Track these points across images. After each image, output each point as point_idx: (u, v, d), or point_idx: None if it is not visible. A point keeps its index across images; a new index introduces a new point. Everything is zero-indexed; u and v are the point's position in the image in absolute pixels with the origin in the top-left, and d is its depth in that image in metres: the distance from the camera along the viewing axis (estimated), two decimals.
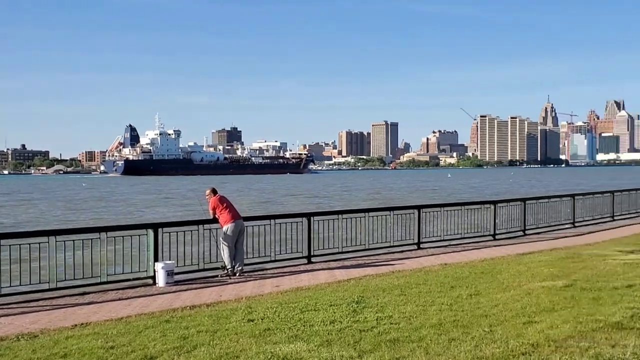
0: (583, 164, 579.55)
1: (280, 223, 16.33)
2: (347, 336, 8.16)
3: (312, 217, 16.85)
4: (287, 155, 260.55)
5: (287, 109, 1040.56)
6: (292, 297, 11.39)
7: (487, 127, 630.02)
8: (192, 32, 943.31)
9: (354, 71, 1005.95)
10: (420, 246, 18.99)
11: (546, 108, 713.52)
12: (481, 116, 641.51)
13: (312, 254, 16.62)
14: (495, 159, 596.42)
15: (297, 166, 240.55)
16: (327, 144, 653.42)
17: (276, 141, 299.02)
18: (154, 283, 13.53)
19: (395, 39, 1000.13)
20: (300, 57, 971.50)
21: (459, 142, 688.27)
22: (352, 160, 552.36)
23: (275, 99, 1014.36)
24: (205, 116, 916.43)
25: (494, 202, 22.16)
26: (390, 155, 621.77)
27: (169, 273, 13.45)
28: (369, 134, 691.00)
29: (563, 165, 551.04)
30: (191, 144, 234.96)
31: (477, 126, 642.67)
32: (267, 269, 15.45)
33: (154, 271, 13.60)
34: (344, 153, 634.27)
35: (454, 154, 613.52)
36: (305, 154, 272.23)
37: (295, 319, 9.31)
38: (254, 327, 8.86)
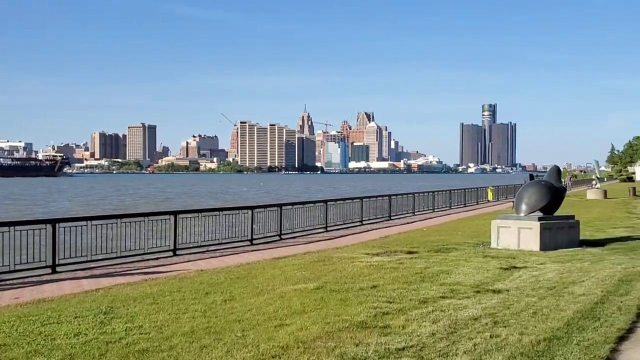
0: (337, 172, 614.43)
1: (20, 230, 15.07)
2: (93, 349, 7.75)
3: (57, 224, 15.77)
4: (40, 156, 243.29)
5: (28, 107, 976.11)
6: (33, 310, 10.54)
7: (247, 133, 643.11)
8: None
9: (110, 70, 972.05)
10: (177, 252, 18.70)
11: (303, 117, 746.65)
12: (241, 122, 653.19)
13: (57, 263, 15.54)
14: (256, 165, 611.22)
15: (52, 168, 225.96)
16: (78, 146, 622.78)
17: (20, 141, 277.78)
18: None
19: (158, 41, 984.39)
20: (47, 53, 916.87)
21: (220, 147, 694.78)
22: (107, 163, 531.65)
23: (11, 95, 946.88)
24: None
25: (252, 208, 22.57)
26: (148, 158, 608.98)
27: None
28: (124, 136, 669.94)
29: (319, 172, 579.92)
30: None
31: (237, 132, 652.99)
32: (5, 280, 14.16)
33: None
34: (97, 155, 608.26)
35: (215, 159, 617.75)
36: (61, 155, 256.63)
37: (35, 332, 8.65)
38: None
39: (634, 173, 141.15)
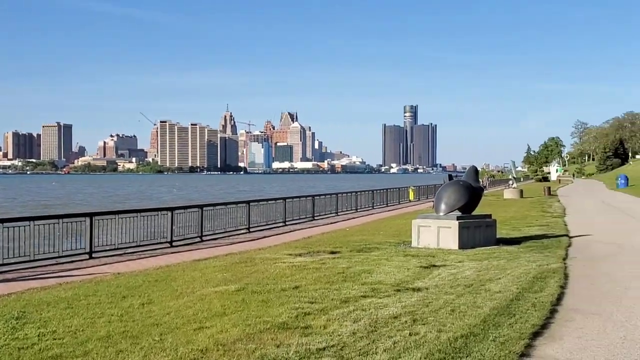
0: (260, 172, 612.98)
1: None
2: (4, 356, 7.48)
3: None
4: None
5: None
6: None
7: (167, 132, 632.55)
8: None
9: (23, 67, 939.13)
10: (93, 255, 18.21)
11: (226, 116, 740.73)
12: (161, 121, 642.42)
13: None
14: (176, 165, 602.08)
15: None
16: None
17: None
18: None
19: (75, 37, 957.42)
20: None
21: (139, 147, 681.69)
22: (20, 163, 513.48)
23: None
24: None
25: (171, 209, 22.22)
26: (63, 159, 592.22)
27: None
28: (39, 135, 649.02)
29: (242, 173, 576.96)
30: None
31: (157, 131, 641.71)
32: None
33: None
34: (10, 156, 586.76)
35: (134, 159, 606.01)
36: None
37: None
38: None
39: (549, 173, 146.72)
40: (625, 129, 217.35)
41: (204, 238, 22.91)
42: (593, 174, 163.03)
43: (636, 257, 15.56)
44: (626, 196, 51.78)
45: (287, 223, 29.31)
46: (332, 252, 17.02)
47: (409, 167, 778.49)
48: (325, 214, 34.30)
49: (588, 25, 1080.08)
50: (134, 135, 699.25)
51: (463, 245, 17.44)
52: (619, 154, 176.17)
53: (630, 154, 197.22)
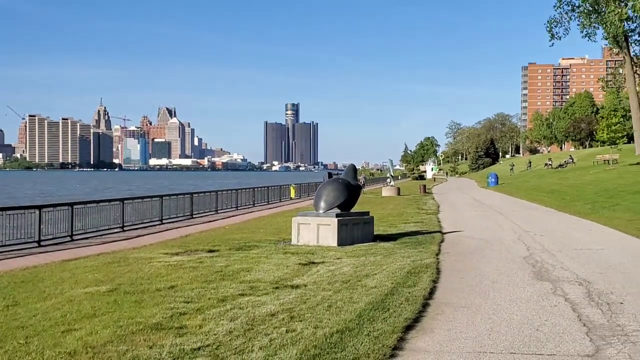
0: (137, 168, 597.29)
1: None
2: None
3: None
4: None
5: None
6: None
7: (37, 127, 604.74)
8: None
9: None
10: None
11: (99, 111, 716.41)
12: (30, 115, 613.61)
13: None
14: (46, 161, 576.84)
15: None
16: None
17: None
18: None
19: None
20: None
21: (6, 142, 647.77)
22: None
23: None
24: None
25: (39, 207, 21.27)
26: None
27: None
28: None
29: (117, 170, 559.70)
30: None
31: (26, 126, 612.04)
32: None
33: None
34: None
35: (0, 155, 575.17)
36: None
37: None
38: None
39: (424, 171, 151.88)
40: (496, 129, 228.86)
41: (74, 237, 22.10)
42: (466, 173, 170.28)
43: (502, 252, 16.42)
44: (496, 194, 54.52)
45: (163, 221, 28.77)
46: (210, 251, 16.87)
47: (291, 165, 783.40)
48: (205, 212, 33.92)
49: (466, 30, 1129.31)
50: (1, 130, 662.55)
51: (342, 242, 17.77)
52: (490, 154, 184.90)
53: (500, 154, 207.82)
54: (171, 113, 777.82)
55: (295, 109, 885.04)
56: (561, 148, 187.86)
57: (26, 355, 7.16)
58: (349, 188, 19.30)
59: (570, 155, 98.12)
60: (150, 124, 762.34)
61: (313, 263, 14.34)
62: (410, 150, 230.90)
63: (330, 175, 21.25)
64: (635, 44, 70.82)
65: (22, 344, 7.63)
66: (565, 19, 70.56)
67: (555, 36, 71.29)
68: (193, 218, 31.50)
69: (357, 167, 21.89)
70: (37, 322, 8.86)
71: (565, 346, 7.63)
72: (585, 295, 10.61)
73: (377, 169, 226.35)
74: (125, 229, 25.38)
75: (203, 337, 7.87)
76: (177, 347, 7.42)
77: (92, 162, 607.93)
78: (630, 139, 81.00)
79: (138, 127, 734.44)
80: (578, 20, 69.52)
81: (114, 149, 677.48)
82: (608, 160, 69.44)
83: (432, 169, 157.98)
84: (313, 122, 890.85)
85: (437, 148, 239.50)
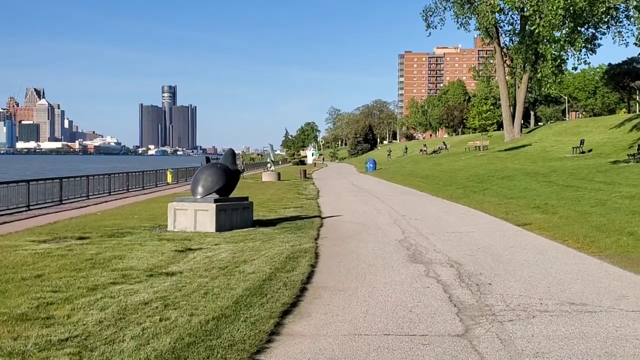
0: (3, 152, 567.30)
1: None
2: None
3: None
4: None
5: None
6: None
7: None
8: None
9: None
10: None
11: None
12: None
13: None
14: None
15: None
16: None
17: None
18: None
19: None
20: None
21: None
22: None
23: None
24: None
25: None
26: None
27: None
28: None
29: None
30: None
31: None
32: None
33: None
34: None
35: None
36: None
37: None
38: None
39: (305, 157, 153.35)
40: (374, 116, 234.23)
41: None
42: (345, 158, 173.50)
43: (379, 236, 16.84)
44: (374, 179, 55.81)
45: (30, 208, 27.47)
46: (81, 238, 16.27)
47: (168, 149, 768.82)
48: (75, 198, 32.68)
49: (347, 16, 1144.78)
50: None
51: (220, 227, 17.63)
52: (369, 140, 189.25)
53: (378, 140, 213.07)
54: (39, 94, 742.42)
55: (173, 91, 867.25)
56: (436, 134, 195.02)
57: None
58: (227, 173, 19.15)
59: (443, 142, 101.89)
60: (17, 105, 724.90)
61: (190, 249, 14.14)
62: (291, 136, 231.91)
63: (208, 159, 21.00)
64: (506, 34, 74.18)
65: None
66: (440, 8, 73.04)
67: (431, 25, 73.71)
68: (63, 204, 30.27)
69: (236, 152, 21.74)
70: None
71: (437, 327, 7.93)
72: (456, 276, 11.06)
73: (258, 154, 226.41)
74: None
75: (71, 328, 7.59)
76: (43, 339, 7.11)
77: None
78: (500, 126, 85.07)
79: (4, 109, 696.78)
80: (452, 10, 72.03)
81: None
82: (479, 147, 72.71)
83: (312, 155, 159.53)
84: (191, 105, 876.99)
85: (317, 133, 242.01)
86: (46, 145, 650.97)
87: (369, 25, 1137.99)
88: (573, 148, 48.72)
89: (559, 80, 60.52)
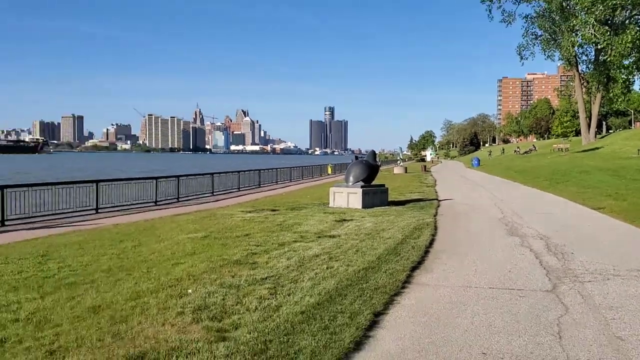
0: (221, 153, 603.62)
1: None
2: (32, 282, 7.19)
3: (5, 189, 14.87)
4: (27, 139, 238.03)
5: None
6: None
7: (153, 122, 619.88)
8: None
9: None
10: (99, 211, 17.72)
11: (196, 112, 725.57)
12: (149, 114, 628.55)
13: (5, 218, 14.57)
14: (160, 147, 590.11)
15: (35, 148, 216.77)
16: (23, 130, 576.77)
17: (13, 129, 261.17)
18: None
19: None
20: None
21: (133, 133, 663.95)
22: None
23: None
24: None
25: (156, 178, 21.68)
26: (77, 140, 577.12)
27: None
28: (59, 123, 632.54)
29: (208, 153, 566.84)
30: None
31: (145, 122, 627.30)
32: None
33: None
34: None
35: (129, 142, 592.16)
36: (43, 138, 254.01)
37: None
38: None
39: (425, 156, 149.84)
40: (478, 125, 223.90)
41: (180, 199, 22.50)
42: (456, 157, 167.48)
43: (483, 214, 16.13)
44: (478, 172, 53.43)
45: (240, 189, 29.05)
46: (273, 210, 16.95)
47: (328, 150, 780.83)
48: (268, 184, 34.17)
49: (460, 45, 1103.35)
50: (129, 124, 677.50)
51: (365, 205, 17.67)
52: (474, 143, 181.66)
53: (481, 143, 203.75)
54: (245, 113, 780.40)
55: (332, 110, 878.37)
56: (526, 139, 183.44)
57: (147, 280, 7.32)
58: (370, 167, 19.16)
59: (533, 145, 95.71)
60: (231, 121, 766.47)
61: (345, 220, 14.29)
62: (415, 140, 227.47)
63: (356, 157, 21.09)
64: (583, 63, 68.35)
65: (144, 273, 7.80)
66: (531, 44, 68.40)
67: (524, 57, 69.18)
68: (260, 187, 31.74)
69: (376, 152, 21.68)
70: (155, 257, 9.04)
71: (530, 283, 7.50)
72: (544, 247, 10.38)
73: (390, 154, 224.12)
74: (214, 194, 25.71)
75: (269, 270, 7.94)
76: (250, 277, 7.50)
77: (190, 148, 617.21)
78: (578, 132, 78.60)
79: (222, 124, 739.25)
80: (540, 46, 67.34)
81: (206, 139, 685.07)
82: (562, 148, 67.62)
83: (430, 154, 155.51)
84: (344, 120, 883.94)
85: (434, 139, 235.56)
86: (249, 147, 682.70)
87: (473, 55, 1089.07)
88: (638, 150, 44.07)
89: (627, 98, 54.86)
